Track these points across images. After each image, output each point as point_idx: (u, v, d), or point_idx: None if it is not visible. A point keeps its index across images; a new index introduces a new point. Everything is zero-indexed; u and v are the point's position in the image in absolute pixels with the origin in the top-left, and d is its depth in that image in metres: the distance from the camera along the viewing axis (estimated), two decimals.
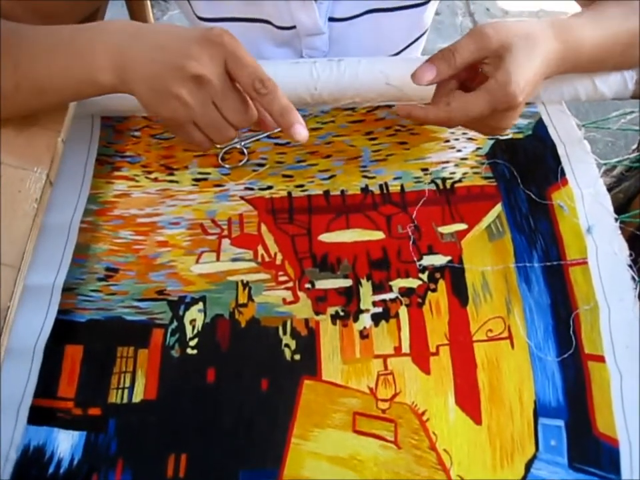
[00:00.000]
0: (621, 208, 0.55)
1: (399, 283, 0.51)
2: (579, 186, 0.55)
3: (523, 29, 0.45)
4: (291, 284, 0.51)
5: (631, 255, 0.51)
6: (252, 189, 0.56)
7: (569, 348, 0.48)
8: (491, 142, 0.59)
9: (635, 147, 0.80)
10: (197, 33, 0.41)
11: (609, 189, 0.57)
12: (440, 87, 0.49)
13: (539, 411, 0.46)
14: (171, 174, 0.57)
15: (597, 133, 0.60)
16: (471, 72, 0.48)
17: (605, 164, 0.57)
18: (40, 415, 0.44)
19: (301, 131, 0.42)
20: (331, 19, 0.63)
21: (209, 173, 0.57)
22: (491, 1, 2.07)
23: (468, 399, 0.46)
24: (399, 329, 0.49)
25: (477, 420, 0.45)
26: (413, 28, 0.69)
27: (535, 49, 0.45)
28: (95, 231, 0.53)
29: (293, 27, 0.63)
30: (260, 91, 0.41)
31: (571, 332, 0.48)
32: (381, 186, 0.56)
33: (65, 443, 0.44)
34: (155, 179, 0.56)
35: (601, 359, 0.47)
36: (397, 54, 0.70)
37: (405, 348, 0.48)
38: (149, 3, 0.93)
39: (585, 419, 0.45)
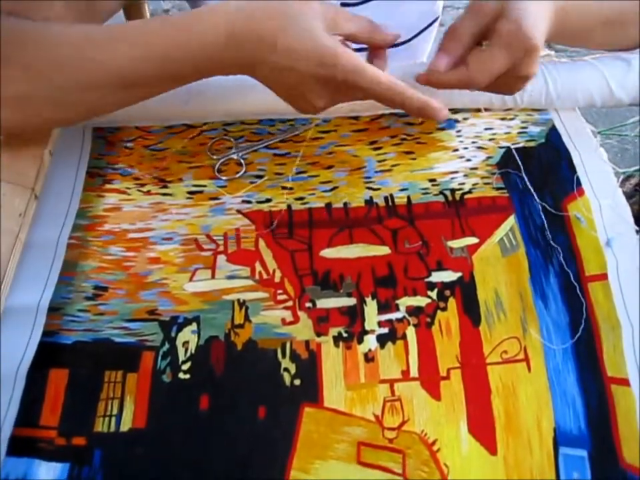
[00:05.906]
0: (636, 220, 0.53)
1: (406, 302, 0.48)
2: (596, 196, 0.53)
3: None
4: (290, 303, 0.48)
5: None
6: (249, 202, 0.54)
7: (590, 371, 0.45)
8: (502, 151, 0.56)
9: None
10: (314, 69, 0.42)
11: None
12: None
13: (560, 440, 0.43)
14: (165, 187, 0.54)
15: (608, 142, 0.57)
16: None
17: (624, 173, 0.54)
18: (20, 445, 0.42)
19: (443, 113, 0.45)
20: (343, 4, 0.62)
21: (204, 186, 0.54)
22: None
23: (482, 427, 0.44)
24: (407, 351, 0.46)
25: (492, 450, 0.43)
26: (424, 14, 0.68)
27: None
28: (84, 247, 0.51)
29: None
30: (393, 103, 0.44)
31: (592, 353, 0.46)
32: (386, 198, 0.54)
33: (47, 476, 0.41)
34: (148, 192, 0.54)
35: (625, 382, 0.44)
36: (408, 41, 0.68)
37: (413, 372, 0.45)
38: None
39: (609, 448, 0.43)
